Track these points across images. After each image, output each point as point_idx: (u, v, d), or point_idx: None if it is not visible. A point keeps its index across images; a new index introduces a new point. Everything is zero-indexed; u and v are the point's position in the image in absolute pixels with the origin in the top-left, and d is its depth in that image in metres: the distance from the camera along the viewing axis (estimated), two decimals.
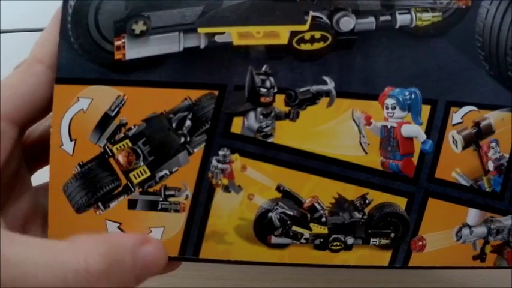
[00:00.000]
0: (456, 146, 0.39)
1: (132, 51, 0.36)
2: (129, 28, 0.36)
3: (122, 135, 0.36)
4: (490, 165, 0.39)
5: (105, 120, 0.36)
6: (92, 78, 0.36)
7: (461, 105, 0.39)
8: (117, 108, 0.36)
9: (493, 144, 0.39)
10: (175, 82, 0.37)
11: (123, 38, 0.36)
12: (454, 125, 0.38)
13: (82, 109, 0.36)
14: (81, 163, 0.36)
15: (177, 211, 0.37)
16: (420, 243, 0.39)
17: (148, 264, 0.33)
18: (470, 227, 0.39)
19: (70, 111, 0.36)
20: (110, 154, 0.36)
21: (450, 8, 0.39)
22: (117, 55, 0.36)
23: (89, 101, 0.36)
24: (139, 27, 0.36)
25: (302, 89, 0.37)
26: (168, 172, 0.37)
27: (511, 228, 0.40)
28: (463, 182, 0.39)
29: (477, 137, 0.39)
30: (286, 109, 0.37)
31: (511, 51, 0.39)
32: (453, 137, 0.38)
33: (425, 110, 0.38)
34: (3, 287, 0.27)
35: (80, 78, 0.36)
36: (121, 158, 0.36)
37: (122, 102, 0.36)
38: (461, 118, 0.39)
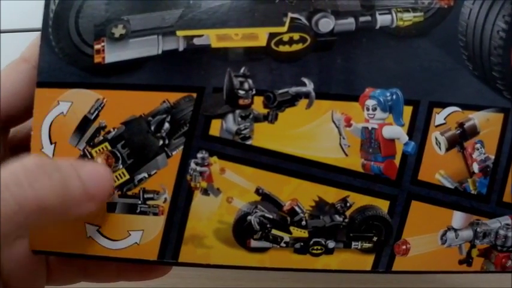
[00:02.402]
0: (439, 148, 0.32)
1: (112, 54, 0.31)
2: (108, 32, 0.31)
3: (101, 138, 0.31)
4: (475, 167, 0.33)
5: (85, 123, 0.32)
6: (72, 82, 0.32)
7: (444, 105, 0.32)
8: (96, 112, 0.31)
9: (478, 145, 0.33)
10: (154, 85, 0.32)
11: (103, 41, 0.31)
12: (437, 126, 0.32)
13: (62, 112, 0.31)
14: None
15: (155, 214, 0.31)
16: (404, 247, 0.32)
17: (94, 177, 0.29)
18: (455, 230, 0.33)
19: (50, 114, 0.31)
20: (90, 157, 0.31)
21: (432, 7, 0.33)
22: (97, 58, 0.31)
23: (68, 105, 0.31)
24: (118, 30, 0.31)
25: (281, 91, 0.31)
26: (146, 175, 0.31)
27: (498, 231, 0.33)
28: (447, 184, 0.33)
29: (461, 138, 0.33)
30: (265, 111, 0.31)
31: (495, 51, 0.33)
32: (436, 139, 0.32)
33: (407, 111, 0.32)
34: None
35: (60, 82, 0.32)
36: (100, 161, 0.31)
37: (101, 106, 0.31)
38: (445, 119, 0.32)
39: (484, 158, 0.34)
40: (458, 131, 0.34)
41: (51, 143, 0.32)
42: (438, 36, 0.34)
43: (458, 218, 0.34)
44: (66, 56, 0.33)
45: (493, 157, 0.34)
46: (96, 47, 0.32)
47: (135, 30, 0.33)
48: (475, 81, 0.34)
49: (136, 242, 0.32)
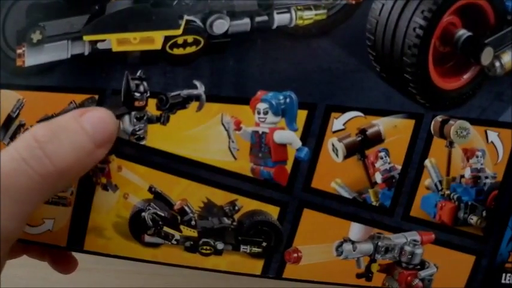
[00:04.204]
0: (337, 155, 0.27)
1: (31, 58, 0.31)
2: (28, 37, 0.31)
3: (21, 134, 0.31)
4: (378, 177, 0.27)
5: (8, 121, 0.32)
6: None
7: (344, 110, 0.27)
8: (17, 111, 0.32)
9: (382, 154, 0.27)
10: (63, 87, 0.31)
11: (24, 46, 0.30)
12: (334, 131, 0.27)
13: None
14: None
15: (64, 205, 0.32)
16: (295, 255, 0.28)
17: (96, 123, 0.28)
18: (353, 242, 0.27)
19: None
20: None
21: (337, 4, 0.27)
22: (18, 62, 0.31)
23: None
24: (36, 36, 0.31)
25: (173, 94, 0.29)
26: None
27: (404, 247, 0.27)
28: (345, 194, 0.28)
29: (362, 145, 0.27)
30: (158, 113, 0.29)
31: (409, 50, 0.27)
32: (333, 145, 0.27)
33: (302, 115, 0.27)
34: None
35: None
36: None
37: (21, 105, 0.31)
38: (344, 124, 0.27)
39: (388, 167, 0.28)
40: (359, 138, 0.28)
41: None
42: (342, 36, 0.28)
43: (356, 229, 0.29)
44: None
45: (399, 167, 0.28)
46: (18, 51, 0.32)
47: (49, 35, 0.32)
48: (383, 84, 0.28)
49: (49, 229, 0.32)
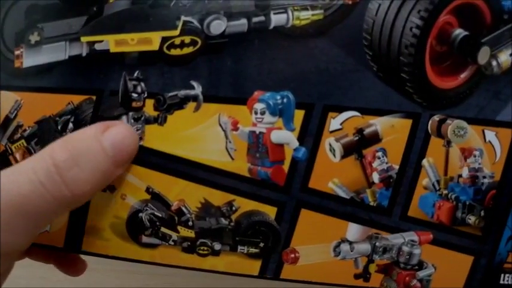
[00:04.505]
0: (334, 155, 0.27)
1: (29, 59, 0.31)
2: (26, 38, 0.31)
3: (19, 135, 0.32)
4: (375, 177, 0.27)
5: (6, 121, 0.32)
6: None
7: (341, 110, 0.27)
8: (15, 111, 0.32)
9: (380, 153, 0.27)
10: (61, 88, 0.31)
11: (22, 47, 0.30)
12: (332, 131, 0.27)
13: None
14: None
15: None
16: (292, 255, 0.28)
17: (118, 144, 0.27)
18: (350, 243, 0.27)
19: None
20: (10, 152, 0.31)
21: (334, 5, 0.27)
22: (17, 63, 0.31)
23: None
24: (34, 37, 0.31)
25: (170, 94, 0.29)
26: None
27: (402, 247, 0.27)
28: (342, 194, 0.28)
29: (360, 145, 0.27)
30: (156, 113, 0.29)
31: (406, 50, 0.27)
32: (330, 145, 0.27)
33: (299, 115, 0.27)
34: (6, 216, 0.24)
35: None
36: (18, 156, 0.31)
37: (19, 106, 0.31)
38: (341, 124, 0.27)
39: (386, 167, 0.28)
40: (357, 138, 0.28)
41: None
42: (339, 35, 0.28)
43: (354, 230, 0.29)
44: None
45: (397, 167, 0.28)
46: (16, 52, 0.32)
47: (47, 37, 0.32)
48: (380, 84, 0.28)
49: (46, 230, 0.32)
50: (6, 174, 0.26)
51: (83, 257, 0.36)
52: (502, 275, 0.29)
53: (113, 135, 0.27)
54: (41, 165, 0.25)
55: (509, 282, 0.29)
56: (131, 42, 0.31)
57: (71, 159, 0.26)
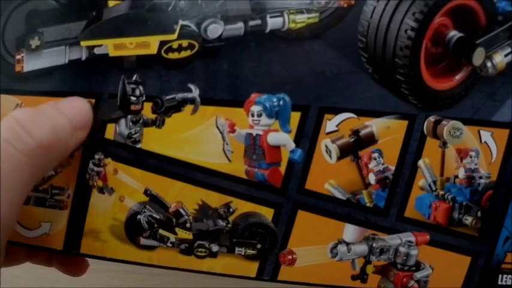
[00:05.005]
0: (330, 156, 0.27)
1: (29, 64, 0.32)
2: (27, 43, 0.32)
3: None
4: (372, 178, 0.28)
5: None
6: None
7: (337, 111, 0.27)
8: None
9: (376, 154, 0.27)
10: (60, 91, 0.31)
11: (23, 52, 0.31)
12: (328, 133, 0.27)
13: None
14: None
15: (61, 208, 0.32)
16: (290, 257, 0.28)
17: (73, 109, 0.29)
18: (347, 244, 0.27)
19: None
20: None
21: (329, 7, 0.27)
22: (17, 68, 0.32)
23: None
24: (35, 42, 0.32)
25: (168, 97, 0.29)
26: (54, 173, 0.32)
27: (399, 248, 0.27)
28: (338, 195, 0.28)
29: (355, 146, 0.27)
30: (153, 116, 0.29)
31: (401, 52, 0.27)
32: (326, 146, 0.27)
33: (296, 117, 0.27)
34: None
35: None
36: None
37: None
38: (337, 126, 0.28)
39: (382, 168, 0.28)
40: (353, 139, 0.28)
41: None
42: (334, 38, 0.29)
43: (350, 231, 0.29)
44: None
45: (393, 168, 0.28)
46: (17, 57, 0.33)
47: (48, 41, 0.32)
48: (375, 86, 0.28)
49: (46, 232, 0.32)
50: None
51: None
52: (500, 276, 0.29)
53: (67, 102, 0.29)
54: (3, 126, 0.26)
55: (507, 283, 0.29)
56: (130, 46, 0.31)
57: (31, 116, 0.27)
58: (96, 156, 0.32)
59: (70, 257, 0.37)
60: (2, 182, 0.25)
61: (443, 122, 0.28)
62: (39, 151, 0.27)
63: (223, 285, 0.43)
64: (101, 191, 0.32)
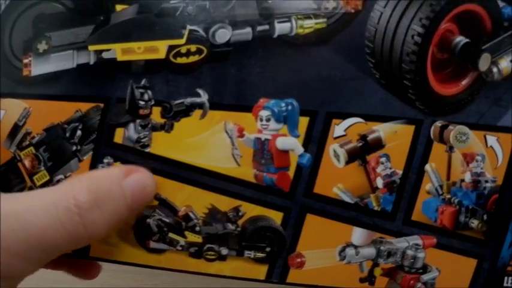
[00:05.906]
0: (338, 160, 0.28)
1: (37, 68, 0.32)
2: (34, 47, 0.32)
3: (27, 142, 0.32)
4: (379, 182, 0.28)
5: (15, 129, 0.33)
6: (6, 93, 0.32)
7: (344, 116, 0.28)
8: (24, 119, 0.32)
9: (383, 159, 0.28)
10: (69, 95, 0.32)
11: (30, 56, 0.31)
12: (336, 137, 0.28)
13: None
14: None
15: None
16: (298, 260, 0.29)
17: (137, 192, 0.28)
18: (355, 247, 0.28)
19: None
20: (19, 159, 0.32)
21: (337, 13, 0.28)
22: (25, 72, 0.32)
23: (3, 113, 0.32)
24: (42, 46, 0.32)
25: (177, 102, 0.29)
26: (63, 176, 0.32)
27: (406, 251, 0.28)
28: (346, 199, 0.28)
29: (363, 151, 0.28)
30: (162, 121, 0.29)
31: (407, 57, 0.27)
32: (334, 151, 0.28)
33: (304, 121, 0.28)
34: (7, 241, 0.25)
35: None
36: (27, 163, 0.32)
37: (28, 114, 0.32)
38: (345, 131, 0.28)
39: (389, 172, 0.29)
40: (360, 144, 0.29)
41: None
42: (341, 43, 0.29)
43: (358, 234, 0.29)
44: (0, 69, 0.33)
45: (400, 172, 0.29)
46: (25, 61, 0.33)
47: (55, 45, 0.33)
48: (382, 91, 0.29)
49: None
50: (25, 200, 0.26)
51: None
52: (506, 278, 0.30)
53: (135, 182, 0.27)
54: (63, 204, 0.26)
55: None
56: (138, 50, 0.31)
57: (92, 201, 0.26)
58: (105, 160, 0.32)
59: (80, 261, 0.37)
60: (41, 246, 0.25)
61: (450, 127, 0.29)
62: (87, 238, 0.26)
63: (223, 285, 0.44)
64: None
